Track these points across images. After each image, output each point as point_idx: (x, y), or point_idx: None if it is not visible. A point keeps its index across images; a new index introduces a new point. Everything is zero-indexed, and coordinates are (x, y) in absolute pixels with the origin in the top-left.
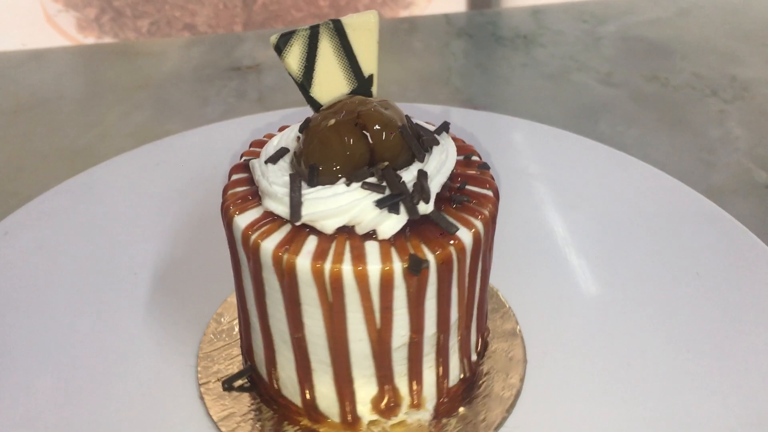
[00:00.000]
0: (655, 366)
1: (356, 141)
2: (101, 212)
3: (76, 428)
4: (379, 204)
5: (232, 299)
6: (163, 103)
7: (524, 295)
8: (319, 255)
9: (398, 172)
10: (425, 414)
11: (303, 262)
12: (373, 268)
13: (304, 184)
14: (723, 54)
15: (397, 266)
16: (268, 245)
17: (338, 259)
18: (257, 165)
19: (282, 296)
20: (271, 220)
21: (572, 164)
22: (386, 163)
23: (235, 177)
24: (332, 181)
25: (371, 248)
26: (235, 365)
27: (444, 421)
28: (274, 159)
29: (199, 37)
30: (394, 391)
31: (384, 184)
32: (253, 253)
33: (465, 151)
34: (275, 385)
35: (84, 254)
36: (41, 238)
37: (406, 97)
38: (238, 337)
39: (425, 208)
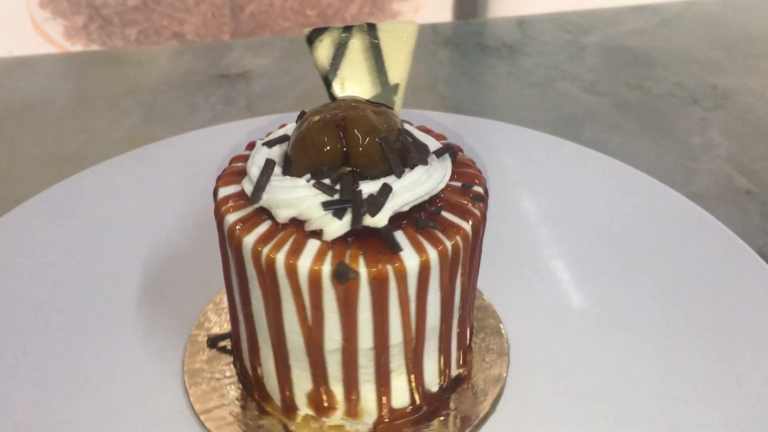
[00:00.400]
0: (643, 368)
1: (331, 142)
2: (90, 216)
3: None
4: (325, 206)
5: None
6: (151, 110)
7: (511, 301)
8: (263, 239)
9: (366, 181)
10: (363, 427)
11: (248, 240)
12: (303, 264)
13: (278, 172)
14: (704, 63)
15: (326, 269)
16: (230, 219)
17: (277, 247)
18: (257, 145)
19: (234, 271)
20: (244, 197)
21: (559, 168)
22: (348, 169)
23: (235, 164)
24: (301, 175)
25: (311, 245)
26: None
27: None
28: (271, 143)
29: (188, 46)
30: (329, 394)
31: (337, 187)
32: (219, 222)
33: (466, 178)
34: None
35: (73, 257)
36: (29, 241)
37: None
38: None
39: (376, 221)
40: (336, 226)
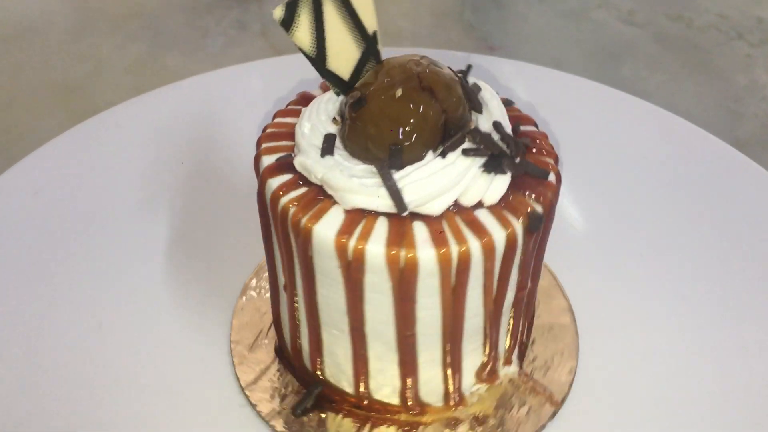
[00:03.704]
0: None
1: (430, 106)
2: (106, 166)
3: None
4: (487, 167)
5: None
6: (158, 35)
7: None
8: (439, 240)
9: (467, 128)
10: (513, 368)
11: (425, 253)
12: (499, 235)
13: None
14: None
15: (518, 227)
16: (297, 213)
17: (460, 238)
18: (309, 162)
19: (300, 268)
20: (360, 216)
21: (598, 117)
22: (472, 125)
23: (276, 183)
24: (418, 158)
25: (484, 217)
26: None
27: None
28: (329, 150)
29: None
30: (496, 355)
31: (482, 146)
32: (281, 218)
33: (516, 120)
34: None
35: (92, 209)
36: (43, 190)
37: (417, 35)
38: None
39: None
40: (498, 185)
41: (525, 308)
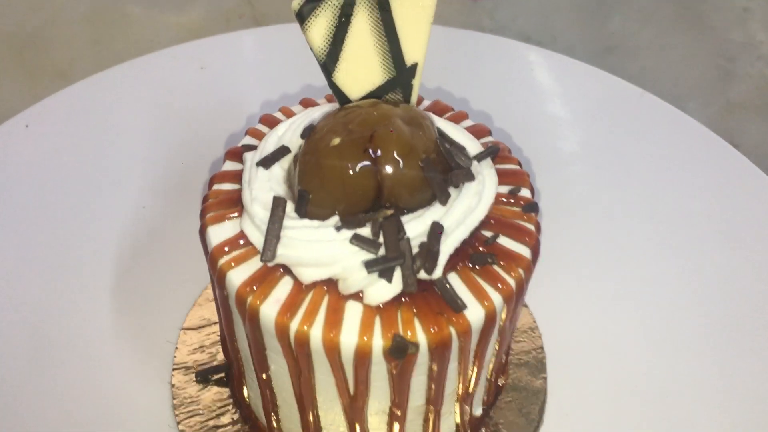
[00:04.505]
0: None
1: (362, 172)
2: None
3: None
4: (369, 266)
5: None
6: None
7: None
8: (288, 307)
9: (408, 217)
10: None
11: (268, 311)
12: (348, 340)
13: (290, 210)
14: None
15: (377, 343)
16: (236, 277)
17: (308, 318)
18: (248, 163)
19: (249, 338)
20: (246, 242)
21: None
22: (391, 212)
23: (226, 167)
24: (324, 216)
25: (352, 313)
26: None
27: None
28: (267, 162)
29: None
30: None
31: (380, 240)
32: (219, 279)
33: (514, 180)
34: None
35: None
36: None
37: None
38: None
39: (431, 275)
40: (384, 290)
41: (424, 422)
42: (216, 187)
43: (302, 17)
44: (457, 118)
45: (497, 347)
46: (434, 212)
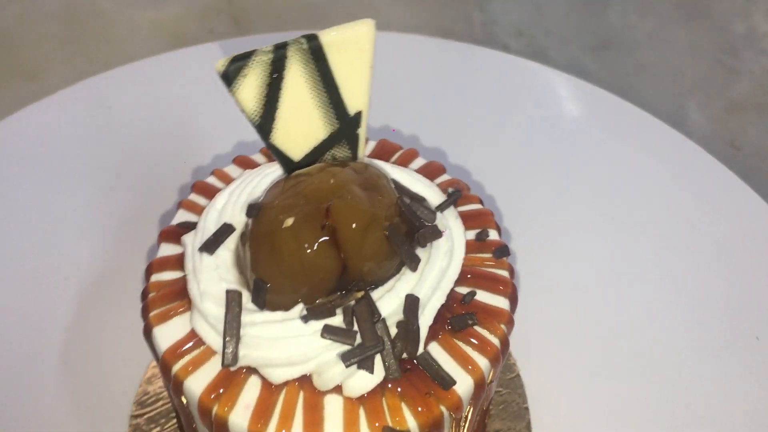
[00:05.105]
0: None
1: (322, 251)
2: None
3: None
4: (346, 359)
5: None
6: None
7: None
8: (261, 413)
9: (379, 292)
10: None
11: (238, 421)
12: None
13: (246, 300)
14: None
15: None
16: (195, 385)
17: (285, 422)
18: (189, 248)
19: None
20: (200, 343)
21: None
22: (360, 294)
23: (163, 251)
24: (286, 305)
25: (332, 408)
26: None
27: None
28: (211, 246)
29: None
30: None
31: (354, 329)
32: (175, 387)
33: (479, 222)
34: None
35: None
36: None
37: None
38: None
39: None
40: (364, 381)
41: None
42: (155, 277)
43: (229, 79)
44: (408, 158)
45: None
46: (406, 282)
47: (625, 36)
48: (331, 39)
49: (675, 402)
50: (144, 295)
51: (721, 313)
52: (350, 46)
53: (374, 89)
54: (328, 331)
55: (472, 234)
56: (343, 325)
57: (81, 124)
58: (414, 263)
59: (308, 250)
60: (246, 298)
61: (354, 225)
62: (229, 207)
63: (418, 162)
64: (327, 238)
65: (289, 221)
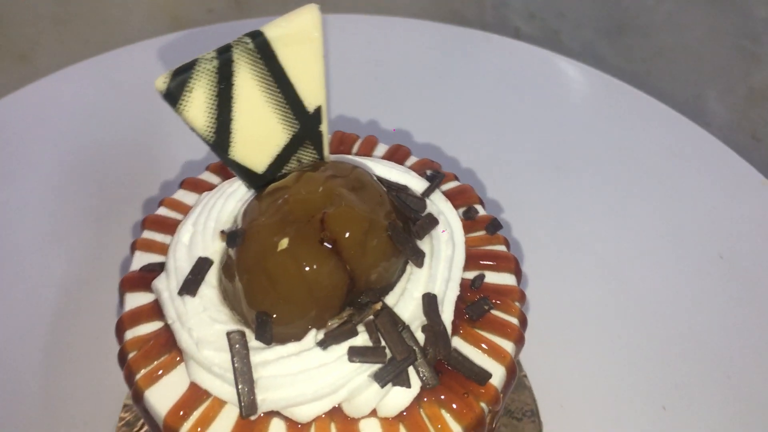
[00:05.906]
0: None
1: (326, 268)
2: None
3: None
4: (380, 379)
5: None
6: None
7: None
8: None
9: (392, 297)
10: None
11: None
12: None
13: (249, 340)
14: None
15: None
16: None
17: None
18: (165, 294)
19: None
20: (205, 396)
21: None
22: (379, 305)
23: (131, 303)
24: (297, 334)
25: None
26: None
27: None
28: (191, 287)
29: None
30: None
31: (382, 344)
32: None
33: (462, 199)
34: None
35: None
36: None
37: None
38: None
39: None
40: (401, 397)
41: None
42: (130, 333)
43: (172, 97)
44: (369, 147)
45: None
46: (416, 280)
47: (641, 19)
48: (276, 33)
49: (675, 396)
50: (122, 356)
51: (735, 311)
52: (298, 37)
53: (379, 77)
54: (356, 354)
55: (459, 213)
56: (369, 343)
57: (72, 108)
58: (420, 259)
59: (310, 270)
60: (249, 336)
61: (354, 232)
62: (198, 238)
63: (381, 148)
64: (328, 251)
65: (284, 242)
